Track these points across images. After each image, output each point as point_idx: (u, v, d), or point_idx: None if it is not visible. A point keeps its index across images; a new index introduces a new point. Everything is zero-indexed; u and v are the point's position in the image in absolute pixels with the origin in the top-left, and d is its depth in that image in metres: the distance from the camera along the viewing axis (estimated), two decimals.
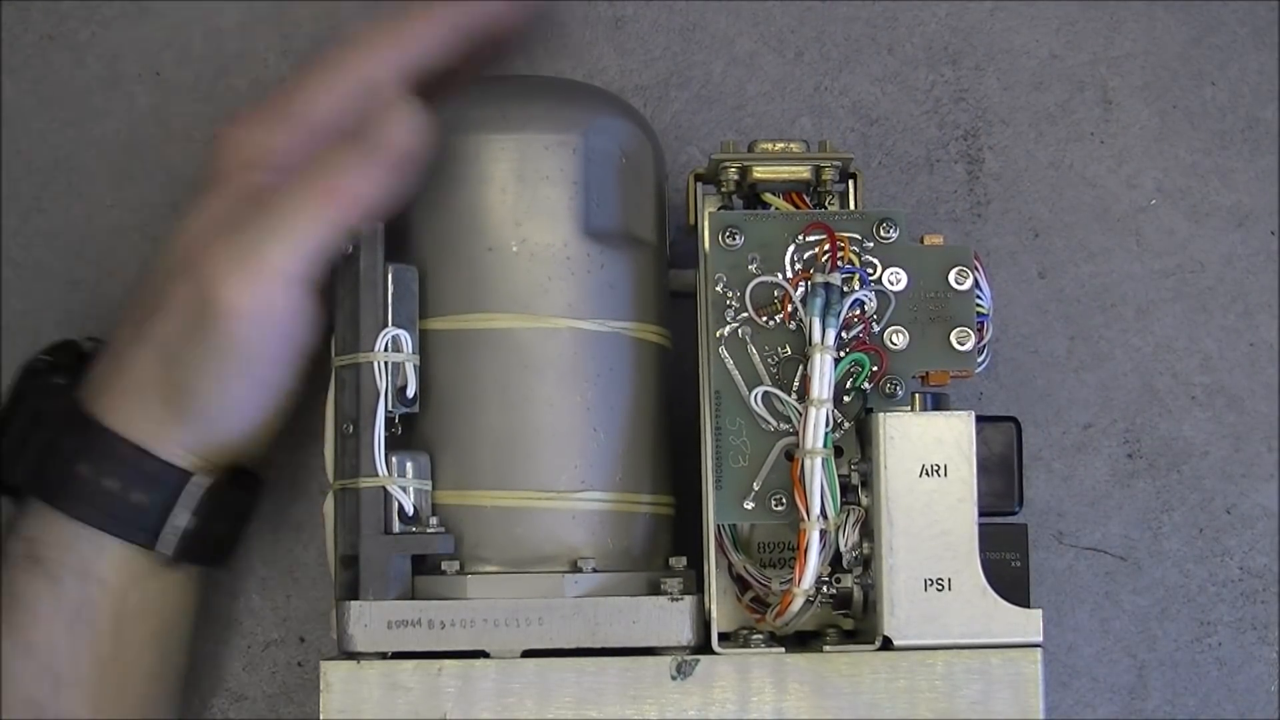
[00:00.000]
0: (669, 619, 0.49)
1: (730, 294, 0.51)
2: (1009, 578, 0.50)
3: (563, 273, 0.51)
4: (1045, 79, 0.62)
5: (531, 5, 0.56)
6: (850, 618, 0.51)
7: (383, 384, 0.50)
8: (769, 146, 0.53)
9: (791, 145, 0.53)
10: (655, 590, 0.50)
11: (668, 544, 0.52)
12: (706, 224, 0.51)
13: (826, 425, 0.49)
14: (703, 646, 0.50)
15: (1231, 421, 0.61)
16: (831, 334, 0.50)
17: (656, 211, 0.53)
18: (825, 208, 0.53)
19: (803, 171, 0.52)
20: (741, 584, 0.52)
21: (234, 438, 0.53)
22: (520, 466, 0.50)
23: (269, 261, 0.50)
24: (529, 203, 0.51)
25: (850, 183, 0.54)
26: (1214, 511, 0.61)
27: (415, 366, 0.50)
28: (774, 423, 0.50)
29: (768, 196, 0.53)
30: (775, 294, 0.51)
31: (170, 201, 0.61)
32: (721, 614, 0.51)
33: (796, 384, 0.51)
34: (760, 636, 0.50)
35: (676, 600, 0.49)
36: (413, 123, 0.51)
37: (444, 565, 0.50)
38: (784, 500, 0.50)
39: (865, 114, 0.62)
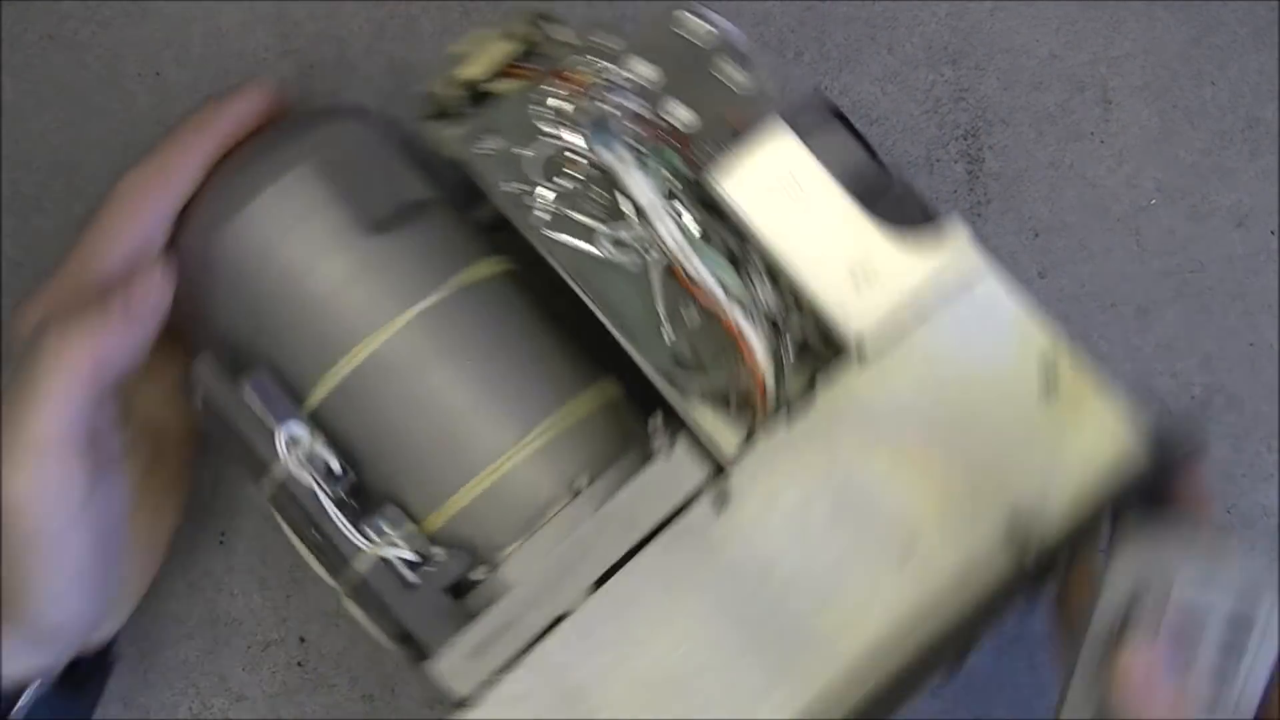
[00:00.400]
0: (677, 470, 0.49)
1: (521, 189, 0.50)
2: (909, 209, 0.50)
3: (373, 277, 0.50)
4: (1045, 79, 0.62)
5: (284, 94, 0.55)
6: (823, 360, 0.51)
7: (310, 479, 0.49)
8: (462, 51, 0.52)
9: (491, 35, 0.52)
10: (650, 456, 0.50)
11: (636, 415, 0.52)
12: (453, 151, 0.51)
13: (675, 222, 0.50)
14: (719, 469, 0.50)
15: (1231, 421, 0.61)
16: (625, 151, 0.50)
17: (416, 170, 0.53)
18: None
19: (504, 46, 0.52)
20: (720, 402, 0.51)
21: (70, 630, 0.52)
22: (467, 452, 0.50)
23: (28, 433, 0.49)
24: (306, 246, 0.51)
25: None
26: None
27: (324, 444, 0.50)
28: (639, 257, 0.50)
29: (492, 86, 0.52)
30: (555, 159, 0.50)
31: None
32: (727, 440, 0.50)
33: (632, 214, 0.50)
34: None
35: (671, 450, 0.49)
36: (155, 282, 0.51)
37: (474, 575, 0.50)
38: (691, 306, 0.50)
39: (865, 114, 0.62)
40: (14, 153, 0.61)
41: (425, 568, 0.50)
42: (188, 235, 0.52)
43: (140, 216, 0.52)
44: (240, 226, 0.51)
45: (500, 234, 0.53)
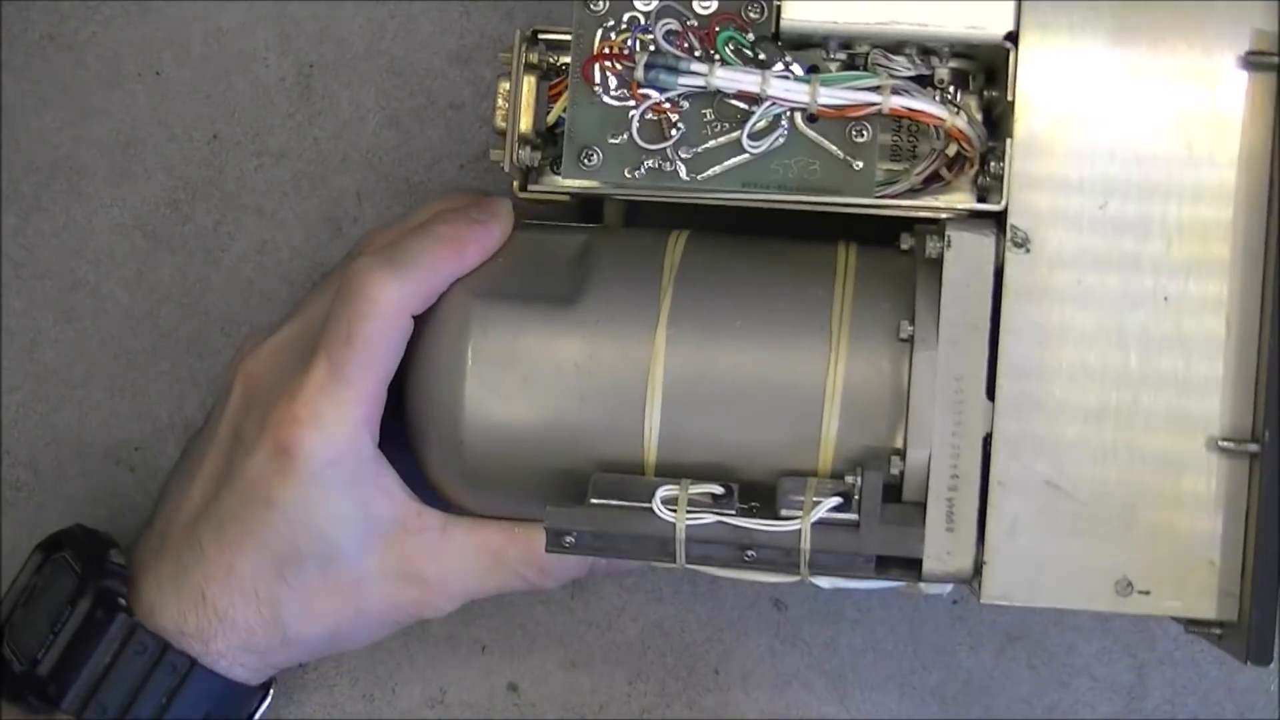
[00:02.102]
0: (968, 251, 0.48)
1: (650, 166, 0.50)
2: None
3: (607, 327, 0.51)
4: None
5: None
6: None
7: (707, 516, 0.49)
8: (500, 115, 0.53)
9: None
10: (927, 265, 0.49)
11: (882, 255, 0.52)
12: (573, 191, 0.51)
13: (785, 77, 0.49)
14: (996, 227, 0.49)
15: None
16: (690, 64, 0.49)
17: (547, 223, 0.54)
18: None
19: (529, 79, 0.52)
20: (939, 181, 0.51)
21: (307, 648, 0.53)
22: (800, 391, 0.50)
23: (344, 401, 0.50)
24: (536, 360, 0.51)
25: None
26: None
27: (690, 482, 0.50)
28: (783, 126, 0.50)
29: (550, 119, 0.52)
30: (651, 121, 0.50)
31: (170, 200, 0.60)
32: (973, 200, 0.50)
33: (747, 103, 0.50)
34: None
35: (946, 243, 0.49)
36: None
37: (892, 473, 0.50)
38: (852, 129, 0.50)
39: None
40: (14, 153, 0.61)
41: (854, 499, 0.48)
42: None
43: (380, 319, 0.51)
44: (471, 393, 0.50)
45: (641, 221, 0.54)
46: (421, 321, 0.51)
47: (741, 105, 0.50)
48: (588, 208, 0.55)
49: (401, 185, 0.61)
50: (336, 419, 0.49)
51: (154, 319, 0.61)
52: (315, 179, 0.61)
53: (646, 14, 0.50)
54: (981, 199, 0.50)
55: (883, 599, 0.59)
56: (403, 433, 0.52)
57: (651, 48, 0.50)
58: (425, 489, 0.53)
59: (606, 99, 0.50)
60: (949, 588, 0.50)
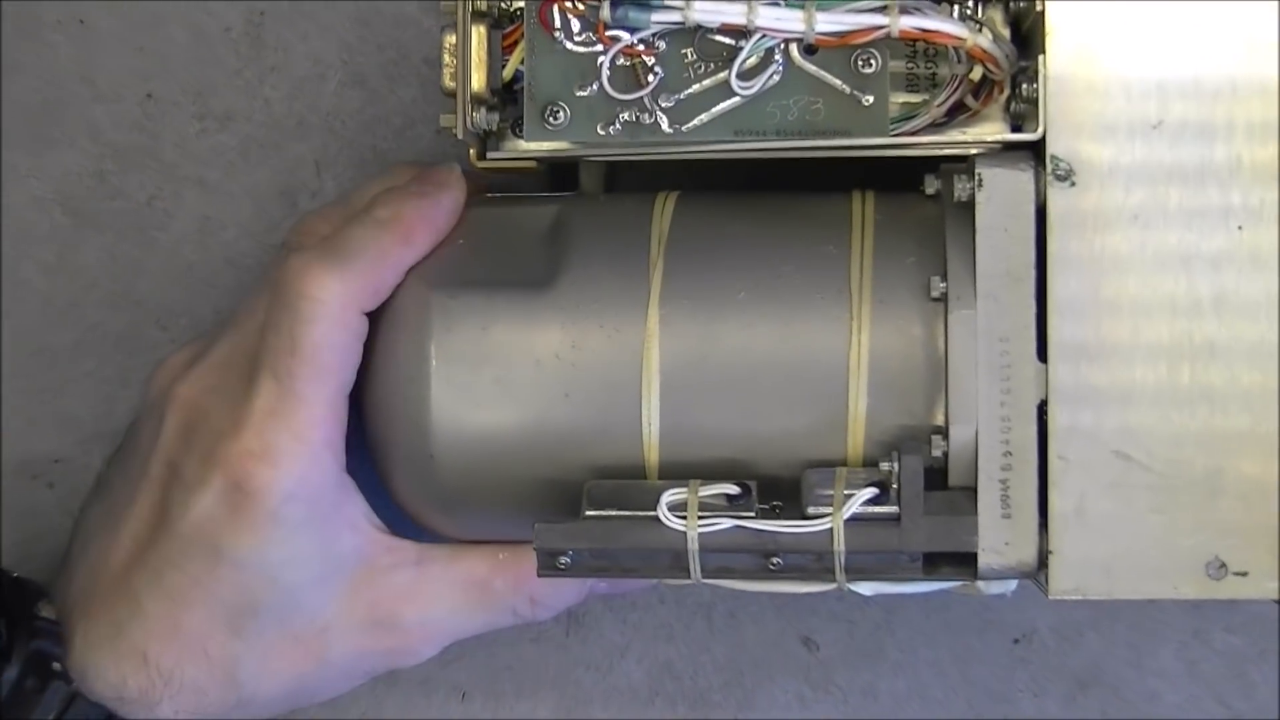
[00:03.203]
0: (1005, 188, 0.45)
1: (626, 119, 0.48)
2: None
3: (590, 309, 0.48)
4: None
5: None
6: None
7: (722, 521, 0.46)
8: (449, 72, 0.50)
9: None
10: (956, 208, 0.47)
11: (903, 202, 0.49)
12: (540, 156, 0.49)
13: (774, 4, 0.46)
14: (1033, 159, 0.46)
15: None
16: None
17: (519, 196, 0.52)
18: None
19: (479, 30, 0.49)
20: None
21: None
22: (818, 366, 0.47)
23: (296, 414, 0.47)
24: (512, 353, 0.48)
25: None
26: None
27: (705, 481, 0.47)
28: (776, 62, 0.47)
29: (505, 74, 0.49)
30: (623, 69, 0.48)
31: (97, 171, 0.58)
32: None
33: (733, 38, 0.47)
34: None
35: (976, 181, 0.46)
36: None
37: (934, 455, 0.47)
38: (858, 58, 0.47)
39: None
40: None
41: (892, 489, 0.45)
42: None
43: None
44: (439, 399, 0.48)
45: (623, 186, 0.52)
46: (375, 321, 0.48)
47: (727, 41, 0.47)
48: (560, 175, 0.52)
49: (368, 153, 0.58)
50: (294, 447, 0.47)
51: (78, 310, 0.58)
52: (267, 146, 0.58)
53: None
54: (1016, 128, 0.48)
55: (929, 638, 0.56)
56: (365, 449, 0.50)
57: None
58: (393, 513, 0.50)
59: (570, 45, 0.48)
60: (1013, 584, 0.47)
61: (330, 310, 0.46)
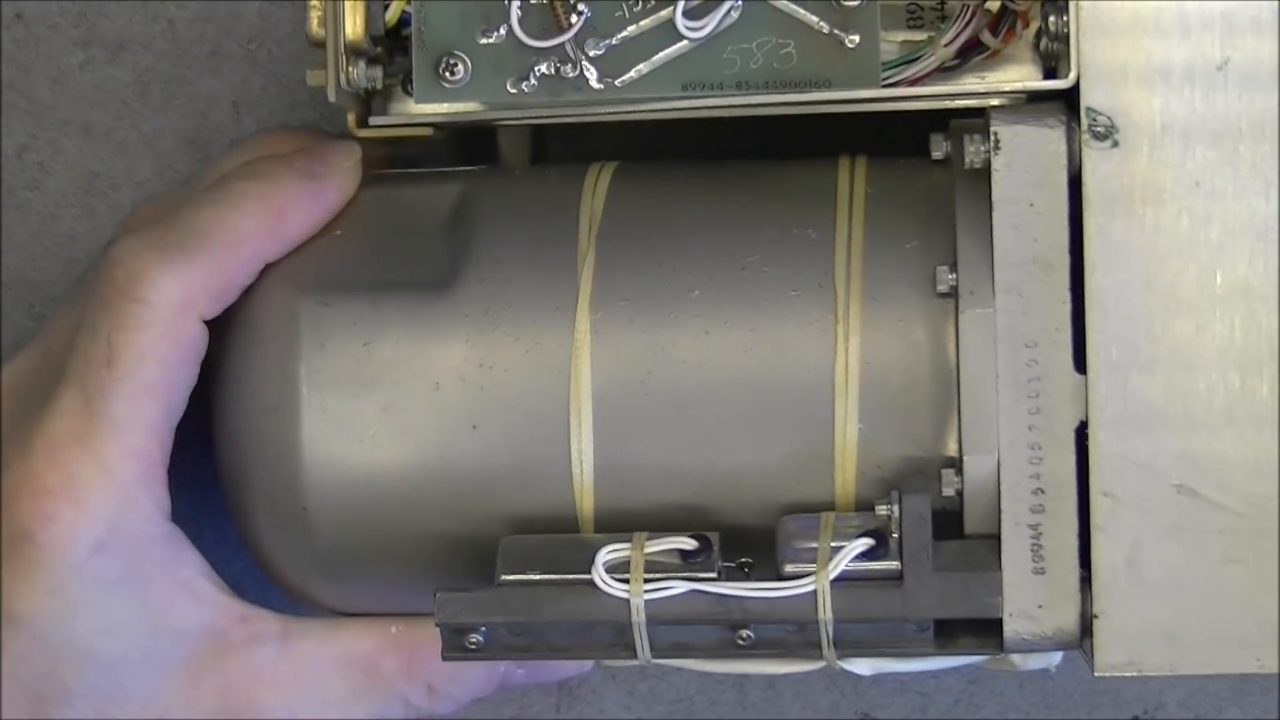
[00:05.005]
0: (1030, 145, 0.41)
1: (544, 72, 0.43)
2: None
3: (503, 322, 0.44)
4: None
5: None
6: None
7: (675, 585, 0.41)
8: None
9: None
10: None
11: (904, 167, 0.46)
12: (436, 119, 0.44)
13: None
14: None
15: None
16: None
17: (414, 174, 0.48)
18: None
19: None
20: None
21: None
22: (793, 385, 0.43)
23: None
24: (403, 370, 0.45)
25: None
26: None
27: (649, 536, 0.43)
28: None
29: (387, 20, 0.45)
30: (535, 9, 0.43)
31: (38, 162, 0.54)
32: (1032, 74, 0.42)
33: None
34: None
35: (997, 143, 0.42)
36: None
37: (945, 493, 0.43)
38: None
39: None
40: None
41: (891, 538, 0.41)
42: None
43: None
44: (311, 436, 0.43)
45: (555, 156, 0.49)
46: (226, 333, 0.44)
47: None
48: (475, 145, 0.48)
49: (300, 91, 0.53)
50: (101, 483, 0.42)
51: None
52: (171, 81, 0.54)
53: None
54: (1050, 73, 0.43)
55: (1024, 713, 0.53)
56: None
57: None
58: (255, 577, 0.47)
59: None
60: (1057, 657, 0.43)
61: (160, 314, 0.42)
